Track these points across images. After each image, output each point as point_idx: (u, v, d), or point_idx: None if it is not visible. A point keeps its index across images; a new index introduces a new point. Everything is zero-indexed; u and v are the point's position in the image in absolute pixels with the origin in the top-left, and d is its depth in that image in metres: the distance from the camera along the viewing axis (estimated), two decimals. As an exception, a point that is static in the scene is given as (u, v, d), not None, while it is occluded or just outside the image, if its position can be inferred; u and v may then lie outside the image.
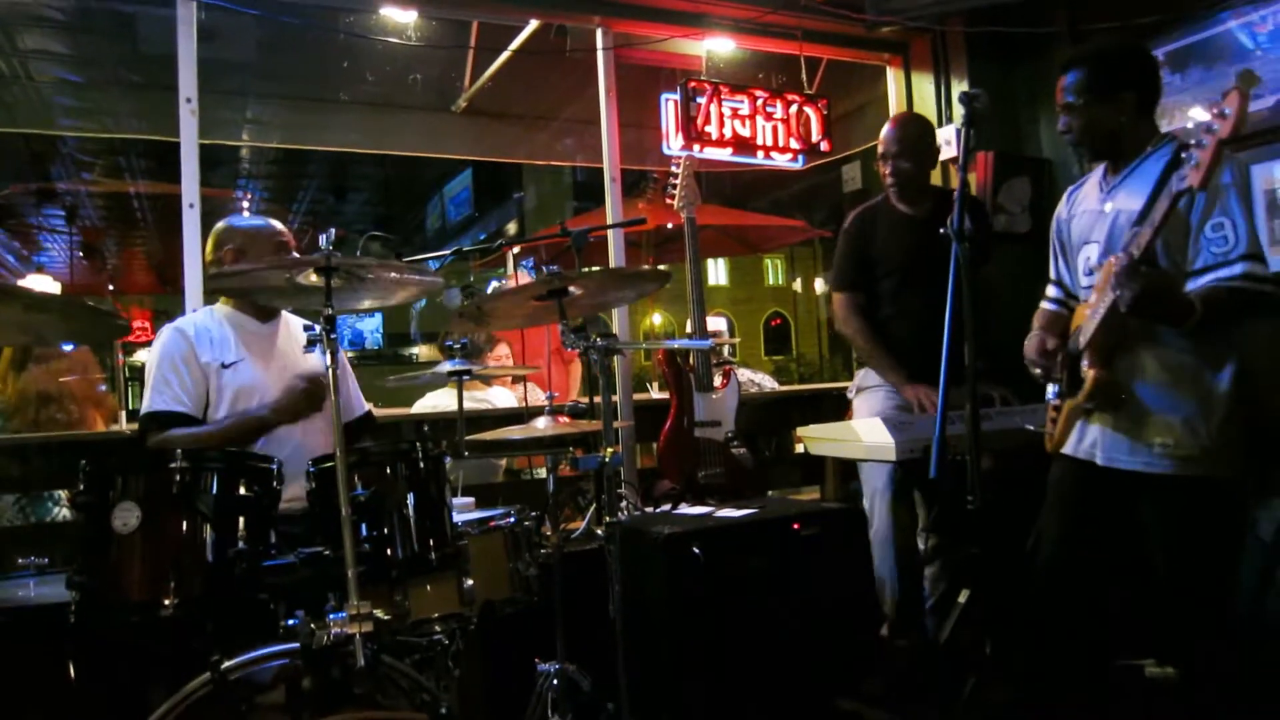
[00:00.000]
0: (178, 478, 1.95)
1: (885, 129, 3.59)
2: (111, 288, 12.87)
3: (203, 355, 2.74)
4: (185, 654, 1.91)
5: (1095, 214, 2.63)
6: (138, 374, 14.51)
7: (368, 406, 3.23)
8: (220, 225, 2.93)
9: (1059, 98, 2.60)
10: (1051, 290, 2.86)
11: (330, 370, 1.95)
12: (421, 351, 20.71)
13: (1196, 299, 2.31)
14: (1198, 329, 2.34)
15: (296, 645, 1.81)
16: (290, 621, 1.80)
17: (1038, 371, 2.64)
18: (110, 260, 12.45)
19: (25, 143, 7.83)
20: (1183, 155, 2.16)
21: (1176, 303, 2.32)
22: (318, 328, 1.97)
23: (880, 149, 3.58)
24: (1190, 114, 3.83)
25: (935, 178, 4.63)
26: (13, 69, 5.06)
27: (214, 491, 1.99)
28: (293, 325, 2.96)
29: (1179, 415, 2.41)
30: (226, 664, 1.83)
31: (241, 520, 2.01)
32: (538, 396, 4.23)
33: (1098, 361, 2.44)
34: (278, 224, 2.96)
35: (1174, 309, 2.32)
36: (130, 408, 8.95)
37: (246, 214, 3.12)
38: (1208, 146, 2.09)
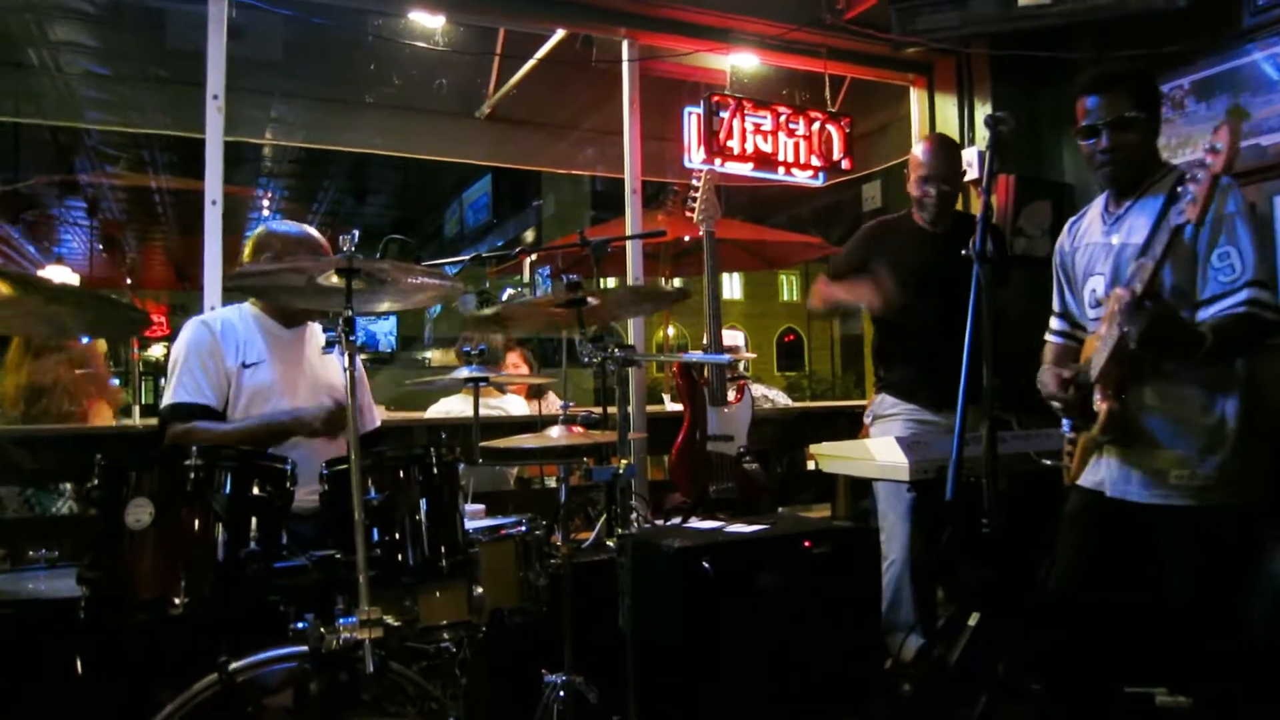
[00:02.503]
0: (192, 475, 1.95)
1: (925, 151, 3.58)
2: (130, 281, 12.94)
3: (226, 352, 2.74)
4: (193, 653, 1.90)
5: (1100, 246, 2.62)
6: (152, 369, 14.59)
7: (379, 422, 3.20)
8: (261, 230, 2.92)
9: (1100, 114, 2.51)
10: (1055, 323, 2.84)
11: (348, 372, 1.95)
12: (434, 356, 20.74)
13: (1208, 329, 2.31)
14: (1206, 359, 2.33)
15: (305, 648, 1.80)
16: (300, 624, 1.80)
17: (1058, 405, 2.61)
18: (129, 254, 12.53)
19: (52, 135, 7.90)
20: (1179, 190, 2.19)
21: (1185, 333, 2.31)
22: (336, 329, 1.97)
23: (923, 171, 3.56)
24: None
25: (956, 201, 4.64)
26: (42, 61, 5.11)
27: (227, 490, 1.99)
28: (317, 333, 2.96)
29: (1191, 446, 2.41)
30: (234, 665, 1.83)
31: (254, 520, 2.01)
32: (555, 407, 4.23)
33: (1110, 394, 2.43)
34: (315, 232, 2.94)
35: (1183, 339, 2.31)
36: (144, 402, 8.99)
37: (284, 219, 3.08)
38: (1203, 182, 2.11)
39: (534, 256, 4.42)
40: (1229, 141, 2.11)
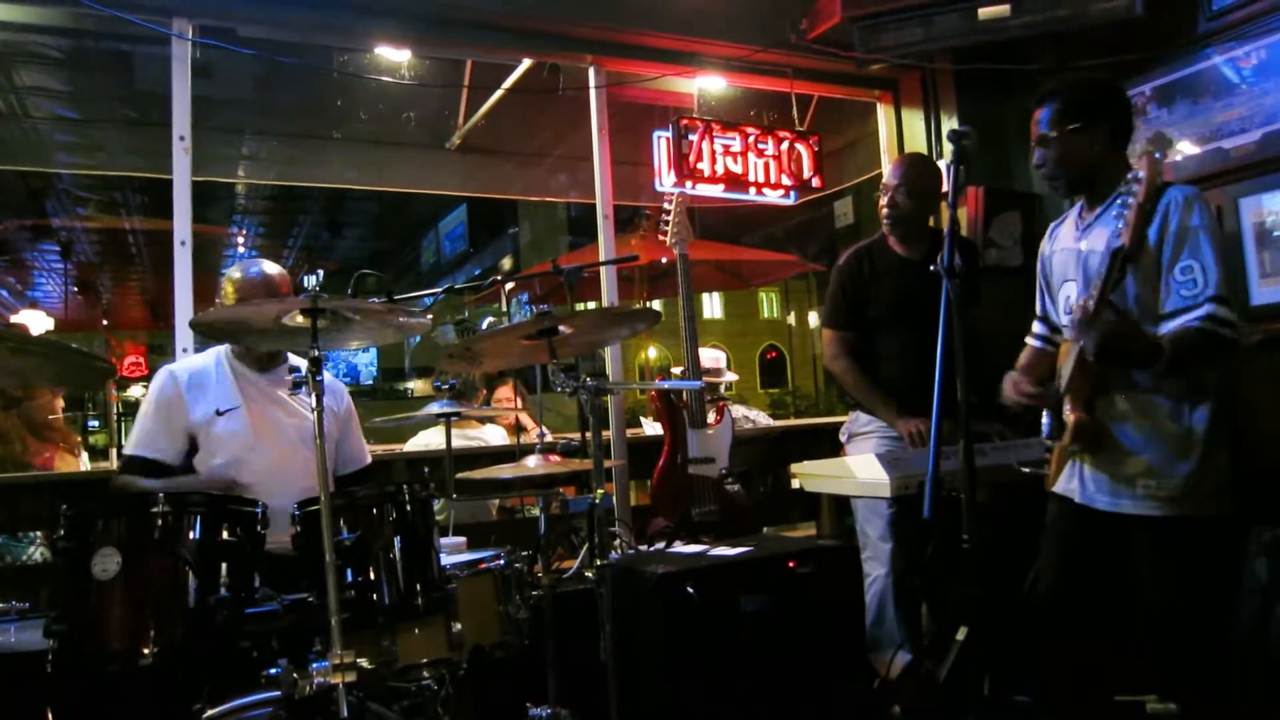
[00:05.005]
0: (159, 522, 1.92)
1: (890, 164, 3.61)
2: (106, 323, 12.86)
3: (192, 404, 2.71)
4: (167, 702, 1.87)
5: (1071, 252, 2.65)
6: (131, 409, 14.49)
7: (369, 459, 3.15)
8: (236, 274, 2.83)
9: (1034, 131, 2.63)
10: (1037, 327, 2.88)
11: (316, 411, 1.93)
12: (416, 386, 20.66)
13: (1166, 341, 2.34)
14: (1169, 370, 2.36)
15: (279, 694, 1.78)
16: (273, 670, 1.77)
17: (1013, 411, 2.66)
18: (105, 295, 12.45)
19: (22, 179, 7.86)
20: (1114, 214, 2.32)
21: (1142, 345, 2.35)
22: (303, 369, 1.96)
23: (882, 182, 3.60)
24: (1178, 147, 3.88)
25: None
26: (10, 106, 5.09)
27: (196, 536, 1.96)
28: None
29: (1158, 456, 2.43)
30: (210, 712, 1.80)
31: (224, 566, 1.98)
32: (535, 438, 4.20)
33: (1077, 405, 2.45)
34: (273, 272, 2.86)
35: (1140, 350, 2.35)
36: (122, 443, 8.89)
37: (256, 259, 3.02)
38: (1131, 208, 2.27)
39: (510, 285, 4.40)
40: (1148, 173, 2.26)
